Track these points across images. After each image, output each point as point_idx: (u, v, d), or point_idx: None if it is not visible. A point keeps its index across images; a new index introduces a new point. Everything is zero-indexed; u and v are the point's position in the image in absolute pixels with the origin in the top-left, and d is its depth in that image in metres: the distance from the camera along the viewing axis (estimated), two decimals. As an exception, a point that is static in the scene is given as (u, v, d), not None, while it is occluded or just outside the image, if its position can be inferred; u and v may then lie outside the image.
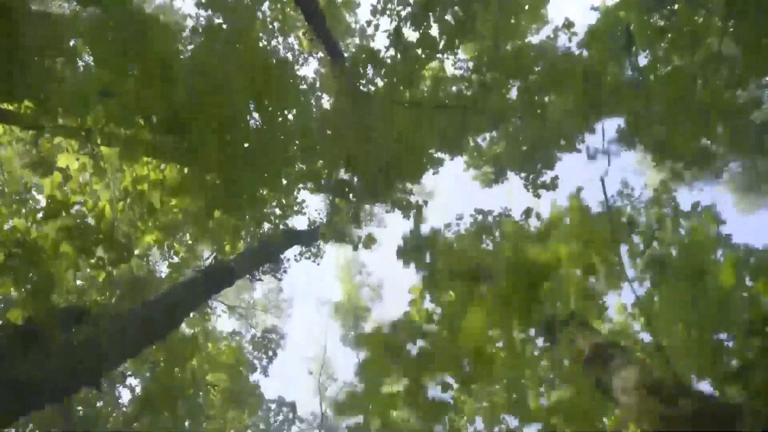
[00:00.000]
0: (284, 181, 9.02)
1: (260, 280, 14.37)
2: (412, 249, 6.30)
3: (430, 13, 8.63)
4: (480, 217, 8.14)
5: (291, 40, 12.15)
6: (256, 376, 14.96)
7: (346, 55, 10.31)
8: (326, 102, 11.46)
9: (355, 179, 9.43)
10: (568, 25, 10.17)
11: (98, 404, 10.55)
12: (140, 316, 7.01)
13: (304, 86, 9.90)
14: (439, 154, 11.84)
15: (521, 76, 10.16)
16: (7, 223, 7.44)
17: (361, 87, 9.61)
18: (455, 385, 5.12)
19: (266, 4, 11.02)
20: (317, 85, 11.71)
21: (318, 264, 15.45)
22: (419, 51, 9.00)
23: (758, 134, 9.58)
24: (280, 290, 23.54)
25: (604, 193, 5.15)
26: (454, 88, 10.98)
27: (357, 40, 12.63)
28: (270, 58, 6.85)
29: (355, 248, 12.09)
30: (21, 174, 8.01)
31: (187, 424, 10.24)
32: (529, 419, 4.43)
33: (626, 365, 3.63)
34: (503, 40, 10.42)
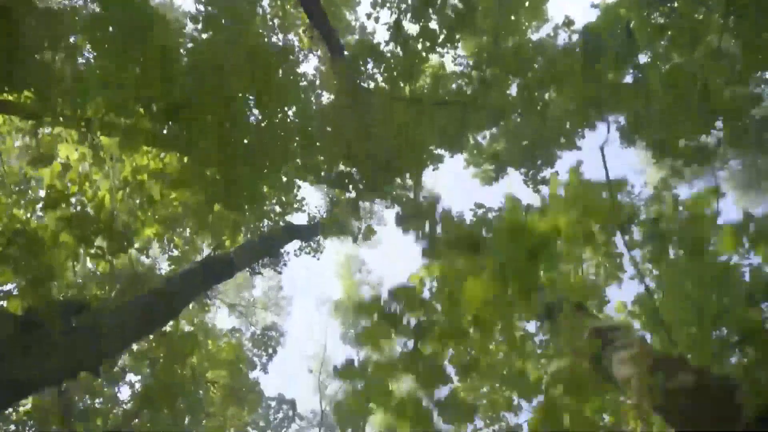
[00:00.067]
0: (284, 179, 9.03)
1: (260, 273, 14.32)
2: (411, 217, 6.08)
3: (430, 7, 8.65)
4: (480, 211, 8.10)
5: (291, 36, 12.15)
6: (255, 374, 14.94)
7: (346, 52, 10.31)
8: (326, 99, 11.45)
9: (355, 172, 9.43)
10: (568, 23, 10.17)
11: (97, 402, 10.52)
12: (139, 305, 7.02)
13: (304, 83, 9.90)
14: (439, 151, 11.85)
15: (521, 73, 10.16)
16: (6, 213, 7.45)
17: (361, 83, 9.62)
18: (455, 381, 5.09)
19: (266, 1, 11.04)
20: (317, 82, 11.70)
21: (318, 259, 15.48)
22: (419, 45, 9.01)
23: (758, 131, 9.57)
24: (279, 287, 23.58)
25: (604, 162, 5.14)
26: (454, 85, 11.00)
27: (357, 38, 12.63)
28: (269, 49, 6.86)
29: (355, 240, 12.08)
30: (21, 165, 8.02)
31: (186, 421, 10.22)
32: (529, 393, 4.41)
33: (626, 344, 3.64)
34: (503, 37, 10.43)
